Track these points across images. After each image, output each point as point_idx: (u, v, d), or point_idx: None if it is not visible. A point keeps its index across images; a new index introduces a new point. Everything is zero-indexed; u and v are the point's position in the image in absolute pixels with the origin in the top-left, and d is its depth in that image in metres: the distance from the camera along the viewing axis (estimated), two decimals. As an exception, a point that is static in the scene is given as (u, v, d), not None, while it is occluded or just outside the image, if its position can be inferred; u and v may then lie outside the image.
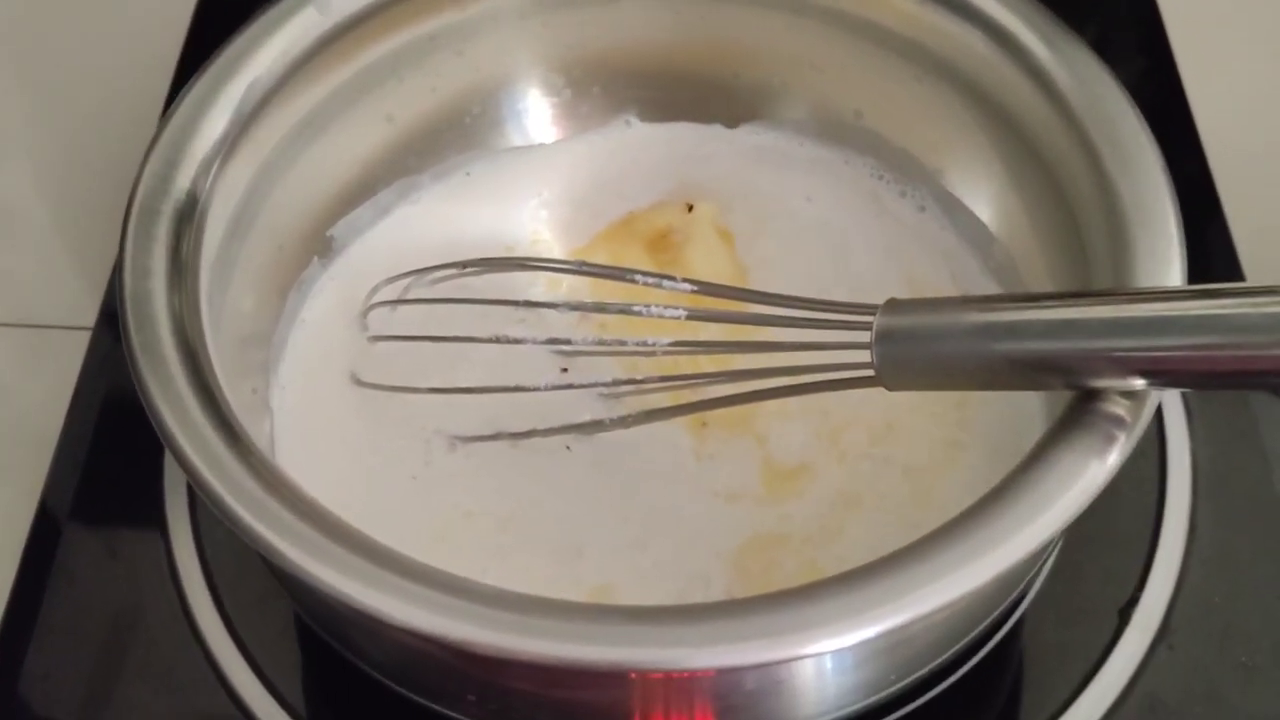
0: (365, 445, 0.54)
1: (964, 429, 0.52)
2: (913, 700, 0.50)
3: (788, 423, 0.53)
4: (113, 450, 0.59)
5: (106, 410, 0.60)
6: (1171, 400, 0.58)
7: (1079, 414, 0.42)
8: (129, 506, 0.58)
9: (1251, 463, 0.56)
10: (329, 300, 0.58)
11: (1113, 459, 0.41)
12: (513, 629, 0.39)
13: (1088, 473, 0.41)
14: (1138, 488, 0.55)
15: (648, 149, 0.62)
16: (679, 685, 0.42)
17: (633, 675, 0.39)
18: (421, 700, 0.48)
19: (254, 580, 0.54)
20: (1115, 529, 0.54)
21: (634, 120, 0.63)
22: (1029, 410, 0.52)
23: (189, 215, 0.49)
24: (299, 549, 0.41)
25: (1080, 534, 0.54)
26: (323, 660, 0.53)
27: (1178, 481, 0.55)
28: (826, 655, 0.41)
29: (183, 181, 0.50)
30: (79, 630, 0.54)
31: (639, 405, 0.53)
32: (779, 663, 0.39)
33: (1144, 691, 0.51)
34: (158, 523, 0.57)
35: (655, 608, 0.39)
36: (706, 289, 0.49)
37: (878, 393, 0.44)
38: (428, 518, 0.52)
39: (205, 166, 0.50)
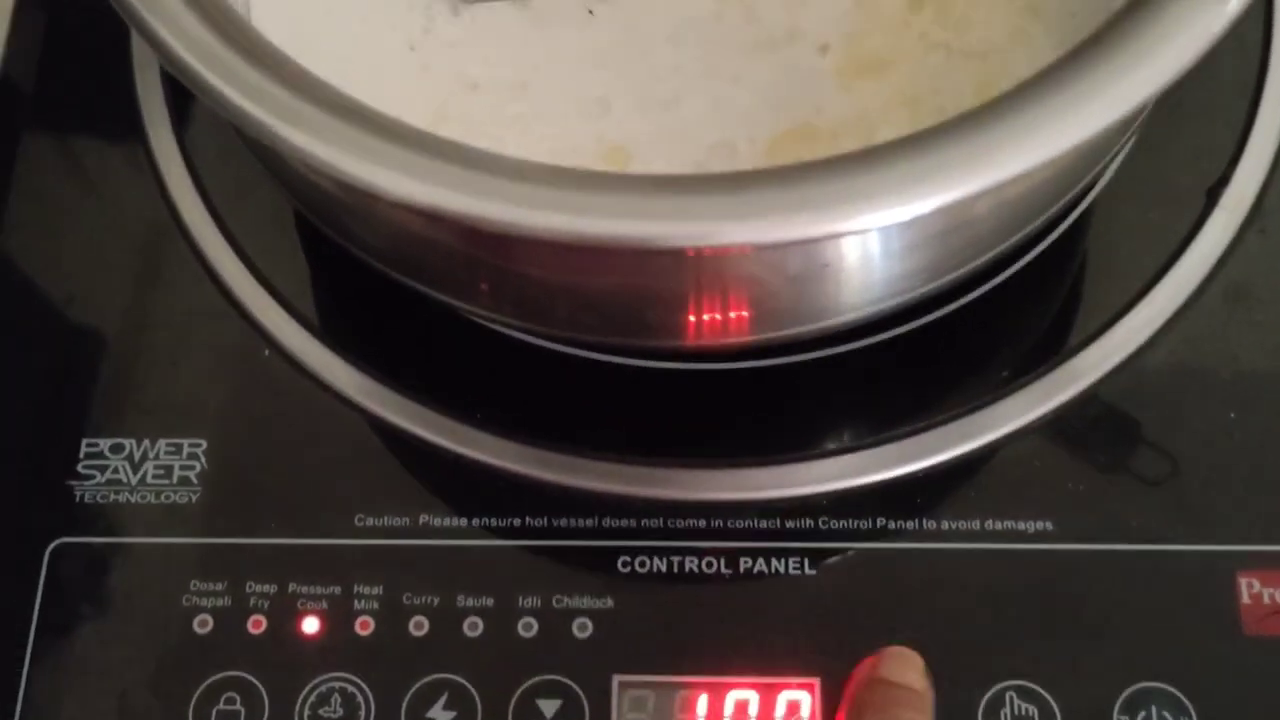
0: (353, 11, 0.47)
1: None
2: (975, 288, 0.46)
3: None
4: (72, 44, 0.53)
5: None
6: (1283, -50, 0.50)
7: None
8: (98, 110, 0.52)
9: (1368, 26, 0.49)
10: None
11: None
12: (524, 201, 0.33)
13: (1206, 13, 0.34)
14: (1236, 52, 0.49)
15: None
16: (712, 266, 0.37)
17: (665, 253, 0.34)
18: (430, 292, 0.44)
19: (246, 177, 0.50)
20: (1207, 99, 0.48)
21: None
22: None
23: None
24: (288, 121, 0.35)
25: (1166, 104, 0.47)
26: (327, 260, 0.49)
27: (1283, 45, 0.49)
28: (886, 231, 0.36)
29: None
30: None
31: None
32: (830, 238, 0.33)
33: (1229, 279, 0.46)
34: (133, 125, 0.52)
35: (687, 176, 0.34)
36: None
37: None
38: (429, 92, 0.46)
39: None
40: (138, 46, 0.53)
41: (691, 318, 0.39)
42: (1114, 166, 0.47)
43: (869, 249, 0.37)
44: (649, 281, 0.38)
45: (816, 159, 0.33)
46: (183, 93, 0.52)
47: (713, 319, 0.39)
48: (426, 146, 0.35)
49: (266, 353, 0.47)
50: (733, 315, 0.39)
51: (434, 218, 0.35)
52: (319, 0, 0.47)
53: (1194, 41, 0.34)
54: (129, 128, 0.52)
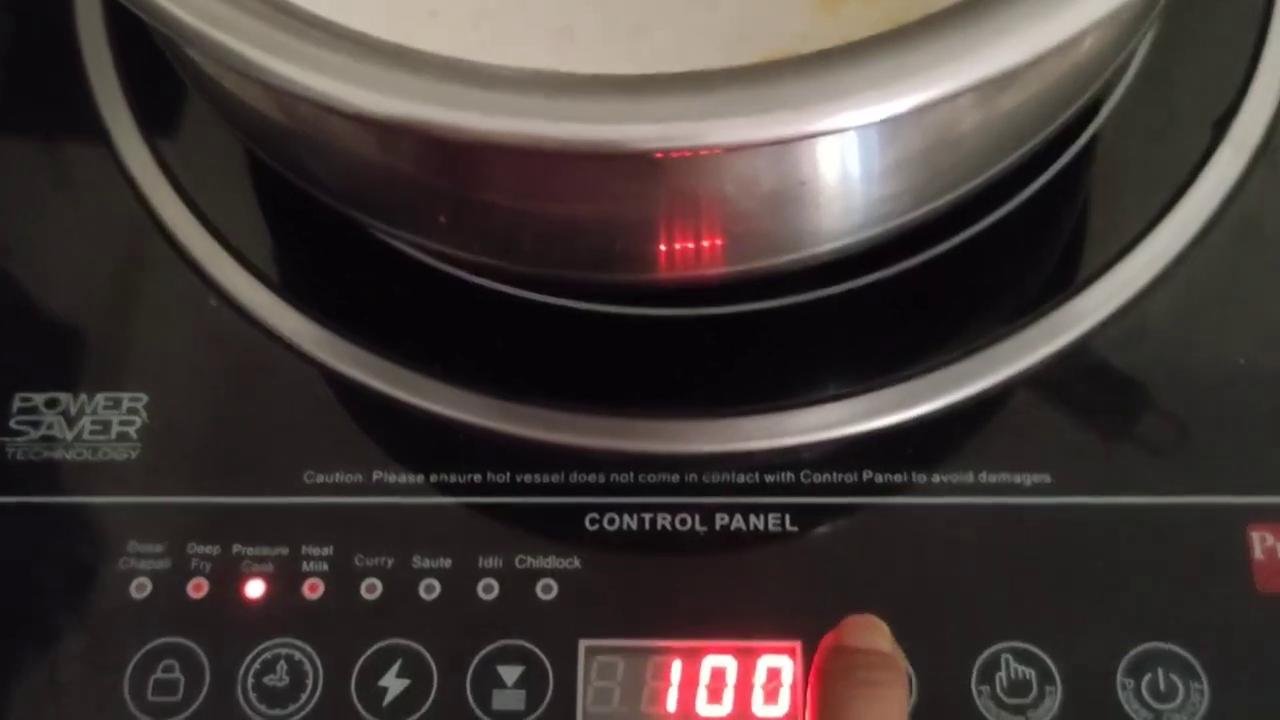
0: (307, -62, 0.44)
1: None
2: (969, 226, 0.43)
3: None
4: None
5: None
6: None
7: None
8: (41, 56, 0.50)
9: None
10: None
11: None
12: (475, 105, 0.31)
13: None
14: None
15: None
16: (682, 182, 0.34)
17: (633, 158, 0.32)
18: (387, 228, 0.41)
19: (193, 121, 0.48)
20: (1212, 28, 0.46)
21: None
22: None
23: None
24: (222, 29, 0.33)
25: (1170, 33, 0.45)
26: (278, 204, 0.47)
27: (1292, -27, 0.47)
28: (867, 146, 0.34)
29: None
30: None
31: None
32: (809, 136, 0.31)
33: (1238, 215, 0.44)
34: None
35: (653, 76, 0.31)
36: None
37: None
38: (387, 21, 0.42)
39: None
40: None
41: (662, 246, 0.36)
42: (1115, 98, 0.45)
43: (849, 166, 0.34)
44: (616, 203, 0.35)
45: (789, 57, 0.30)
46: (127, 36, 0.49)
47: (684, 248, 0.36)
48: (373, 52, 0.32)
49: (213, 302, 0.45)
50: (705, 243, 0.36)
51: (380, 127, 0.32)
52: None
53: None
54: (71, 73, 0.49)
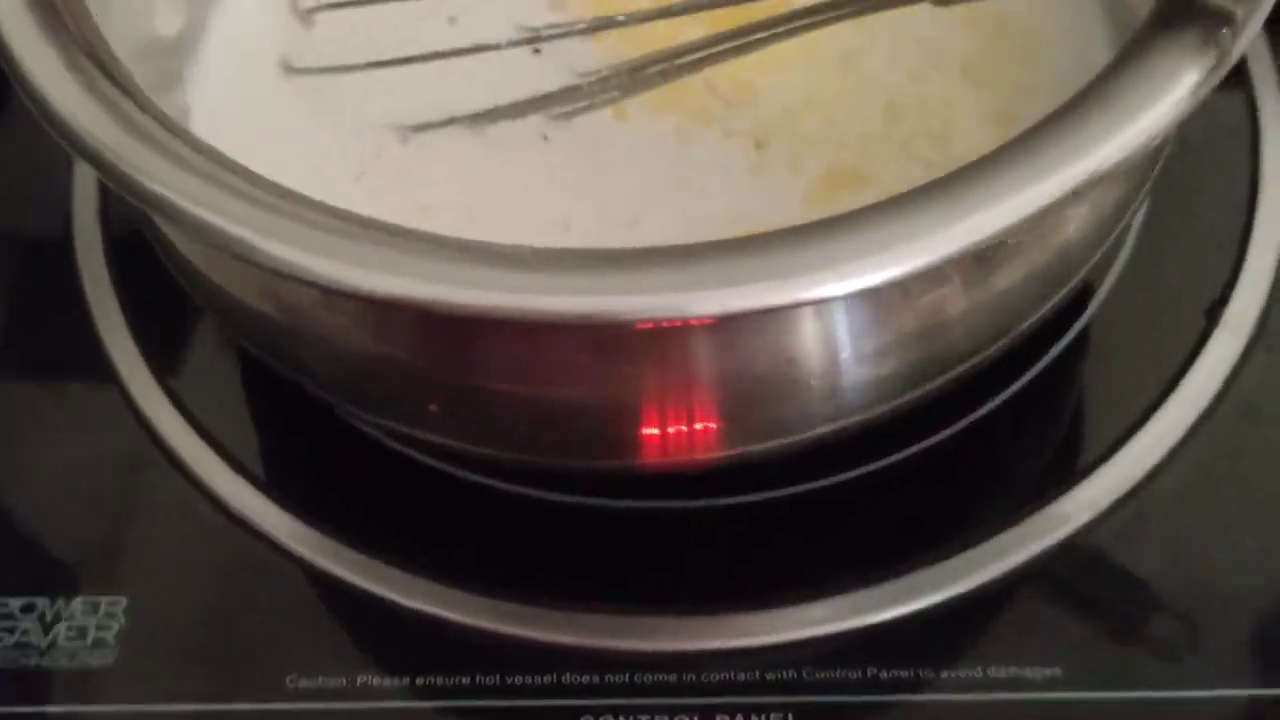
0: (302, 141, 0.45)
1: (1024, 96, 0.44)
2: (964, 417, 0.43)
3: (826, 110, 0.44)
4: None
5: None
6: (1264, 73, 0.49)
7: (1169, 16, 0.33)
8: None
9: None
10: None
11: (1214, 63, 0.32)
12: (454, 280, 0.31)
13: (1183, 77, 0.32)
14: (1227, 171, 0.47)
15: None
16: (673, 368, 0.34)
17: (612, 333, 0.31)
18: (376, 419, 0.41)
19: (179, 314, 0.48)
20: (1200, 217, 0.46)
21: None
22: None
23: None
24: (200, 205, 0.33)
25: (1160, 221, 0.46)
26: (263, 400, 0.46)
27: (1273, 164, 0.47)
28: (855, 326, 0.34)
29: None
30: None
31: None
32: (797, 305, 0.30)
33: (1237, 398, 0.43)
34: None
35: (639, 249, 0.31)
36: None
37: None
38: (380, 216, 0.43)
39: None
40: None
41: (654, 429, 0.36)
42: (1106, 286, 0.45)
43: (838, 343, 0.34)
44: (607, 381, 0.35)
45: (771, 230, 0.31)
46: (118, 228, 0.50)
47: (676, 430, 0.36)
48: (363, 231, 0.33)
49: (195, 500, 0.44)
50: (698, 425, 0.36)
51: (370, 304, 0.32)
52: (266, 134, 0.45)
53: (1177, 100, 0.32)
54: (61, 264, 0.49)
